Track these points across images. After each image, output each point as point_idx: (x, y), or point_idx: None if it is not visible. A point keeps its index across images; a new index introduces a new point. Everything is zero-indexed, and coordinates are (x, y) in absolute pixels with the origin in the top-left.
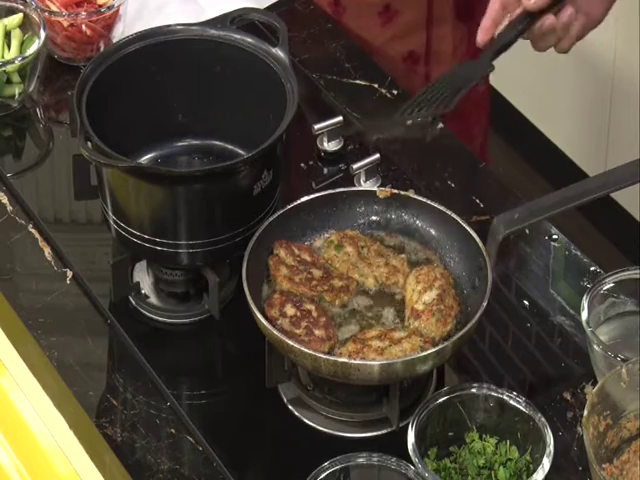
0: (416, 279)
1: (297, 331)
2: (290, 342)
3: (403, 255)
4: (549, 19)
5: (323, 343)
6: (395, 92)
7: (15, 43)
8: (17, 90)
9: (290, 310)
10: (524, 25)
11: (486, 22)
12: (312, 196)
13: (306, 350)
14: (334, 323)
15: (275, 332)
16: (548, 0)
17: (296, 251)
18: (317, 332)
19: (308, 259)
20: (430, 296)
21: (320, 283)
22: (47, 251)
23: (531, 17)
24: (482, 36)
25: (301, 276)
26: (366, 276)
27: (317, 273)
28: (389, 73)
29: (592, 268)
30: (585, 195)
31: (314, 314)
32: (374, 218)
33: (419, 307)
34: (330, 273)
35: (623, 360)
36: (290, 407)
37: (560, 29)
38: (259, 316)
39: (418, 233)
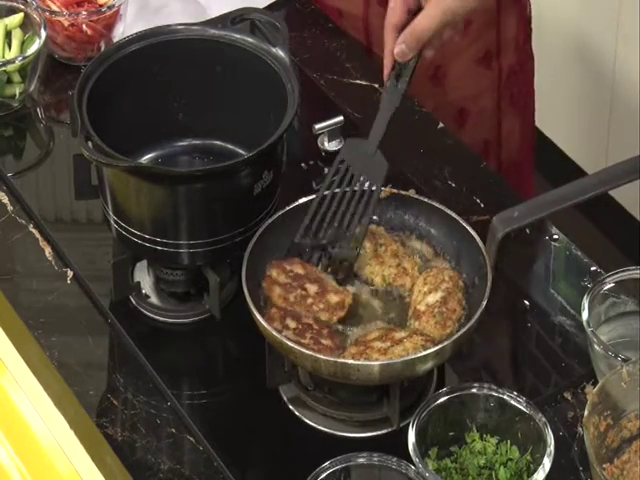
0: (424, 280)
1: (304, 341)
2: (290, 343)
3: (418, 259)
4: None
5: (332, 352)
6: None
7: (16, 43)
8: (18, 90)
9: (292, 323)
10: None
11: (387, 59)
12: (312, 196)
13: (306, 351)
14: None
15: (275, 333)
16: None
17: (288, 267)
18: (324, 341)
19: (301, 272)
20: (434, 298)
21: (315, 301)
22: (47, 251)
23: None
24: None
25: (295, 294)
26: (375, 274)
27: (312, 288)
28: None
29: (592, 268)
30: (584, 193)
31: (315, 327)
32: (374, 218)
33: (421, 308)
34: (325, 287)
35: (623, 360)
36: (290, 407)
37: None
38: (259, 317)
39: (418, 233)
